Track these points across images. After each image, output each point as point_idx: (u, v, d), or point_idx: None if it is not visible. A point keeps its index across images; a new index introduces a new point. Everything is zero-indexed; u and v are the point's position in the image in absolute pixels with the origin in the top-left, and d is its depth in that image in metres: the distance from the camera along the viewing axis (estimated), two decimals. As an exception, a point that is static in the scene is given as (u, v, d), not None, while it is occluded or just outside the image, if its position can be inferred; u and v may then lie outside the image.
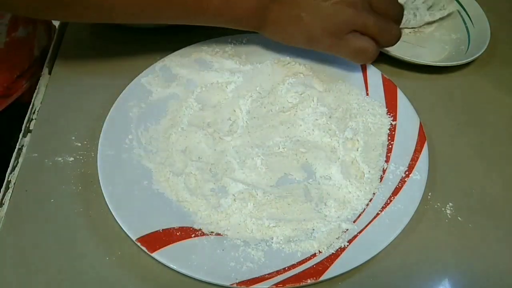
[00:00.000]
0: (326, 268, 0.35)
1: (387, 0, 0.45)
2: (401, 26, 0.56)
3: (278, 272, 0.34)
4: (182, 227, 0.37)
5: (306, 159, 0.43)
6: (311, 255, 0.36)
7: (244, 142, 0.43)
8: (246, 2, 0.43)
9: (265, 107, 0.46)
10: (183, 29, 0.55)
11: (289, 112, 0.46)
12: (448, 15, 0.57)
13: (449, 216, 0.41)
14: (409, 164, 0.41)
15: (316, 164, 0.42)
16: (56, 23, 0.59)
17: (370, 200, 0.39)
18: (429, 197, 0.41)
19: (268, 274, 0.34)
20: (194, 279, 0.34)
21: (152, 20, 0.45)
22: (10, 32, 0.53)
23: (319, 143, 0.44)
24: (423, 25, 0.57)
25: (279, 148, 0.43)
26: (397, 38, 0.45)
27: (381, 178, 0.41)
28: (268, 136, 0.44)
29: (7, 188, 0.41)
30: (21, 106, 0.51)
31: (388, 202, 0.39)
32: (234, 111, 0.46)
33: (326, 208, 0.39)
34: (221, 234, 0.37)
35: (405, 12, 0.56)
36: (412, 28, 0.57)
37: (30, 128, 0.45)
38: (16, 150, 0.44)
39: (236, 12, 0.43)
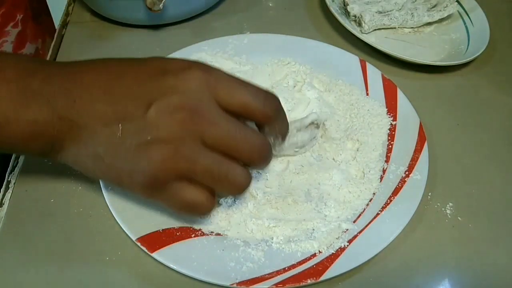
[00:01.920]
0: (326, 268, 0.35)
1: (234, 138, 0.30)
2: (398, 26, 0.56)
3: (278, 272, 0.34)
4: (182, 227, 0.37)
5: (307, 159, 0.43)
6: (311, 255, 0.36)
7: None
8: (17, 127, 0.30)
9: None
10: (183, 29, 0.55)
11: (289, 112, 0.46)
12: (448, 15, 0.57)
13: (449, 216, 0.41)
14: (409, 164, 0.41)
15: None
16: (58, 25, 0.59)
17: (370, 200, 0.39)
18: (429, 197, 0.41)
19: (268, 274, 0.34)
20: (194, 279, 0.34)
21: None
22: (17, 50, 0.53)
23: (320, 144, 0.43)
24: (422, 25, 0.57)
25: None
26: (243, 186, 0.32)
27: (381, 178, 0.41)
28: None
29: (7, 188, 0.41)
30: None
31: (388, 202, 0.39)
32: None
33: (326, 208, 0.39)
34: (221, 234, 0.37)
35: (402, 12, 0.56)
36: (411, 28, 0.57)
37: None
38: (16, 150, 0.44)
39: (17, 131, 0.30)
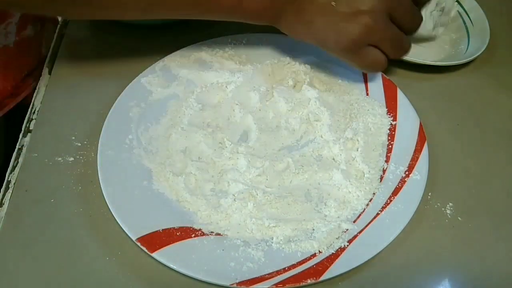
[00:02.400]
0: (326, 268, 0.35)
1: (409, 13, 0.42)
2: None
3: (278, 272, 0.34)
4: (182, 227, 0.37)
5: (307, 159, 0.43)
6: (311, 255, 0.36)
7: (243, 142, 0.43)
8: (260, 1, 0.42)
9: (265, 109, 0.46)
10: (183, 29, 0.55)
11: (289, 112, 0.46)
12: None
13: (449, 216, 0.41)
14: (409, 164, 0.41)
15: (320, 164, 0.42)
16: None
17: (370, 200, 0.39)
18: (429, 197, 0.41)
19: (268, 274, 0.34)
20: (194, 279, 0.34)
21: (162, 15, 0.43)
22: (20, 31, 0.53)
23: (320, 144, 0.43)
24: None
25: (279, 150, 0.43)
26: (406, 52, 0.44)
27: (381, 178, 0.41)
28: (269, 137, 0.44)
29: (7, 188, 0.41)
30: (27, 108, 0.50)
31: (388, 202, 0.39)
32: (234, 110, 0.46)
33: (326, 208, 0.39)
34: (221, 234, 0.37)
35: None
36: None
37: (30, 128, 0.45)
38: (16, 150, 0.44)
39: (250, 9, 0.42)
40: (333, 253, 0.36)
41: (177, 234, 0.36)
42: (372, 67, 0.43)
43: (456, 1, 0.58)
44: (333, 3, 0.40)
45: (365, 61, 0.42)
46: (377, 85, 0.48)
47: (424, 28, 0.54)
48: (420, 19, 0.44)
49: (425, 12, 0.54)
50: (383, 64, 0.43)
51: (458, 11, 0.58)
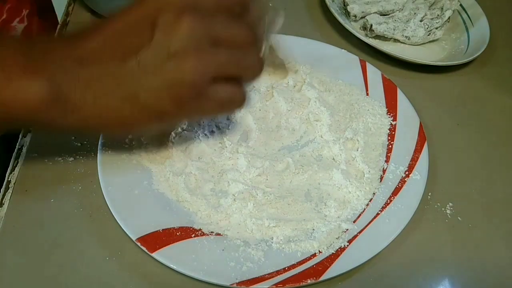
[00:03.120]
0: (326, 268, 0.35)
1: (231, 25, 0.32)
2: (406, 41, 0.55)
3: (278, 272, 0.34)
4: (182, 227, 0.37)
5: (307, 159, 0.43)
6: (311, 255, 0.36)
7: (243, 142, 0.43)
8: (25, 89, 0.29)
9: (265, 109, 0.46)
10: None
11: (289, 112, 0.46)
12: (449, 17, 0.57)
13: (449, 216, 0.41)
14: (409, 164, 0.41)
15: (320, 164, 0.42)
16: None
17: (370, 200, 0.39)
18: (429, 197, 0.41)
19: (268, 274, 0.34)
20: (194, 279, 0.34)
21: None
22: None
23: (320, 144, 0.43)
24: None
25: (279, 150, 0.43)
26: (260, 68, 0.33)
27: (381, 178, 0.41)
28: (269, 137, 0.44)
29: (7, 188, 0.41)
30: None
31: (388, 202, 0.39)
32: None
33: (326, 208, 0.39)
34: (221, 234, 0.37)
35: (405, 13, 0.56)
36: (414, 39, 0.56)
37: (30, 128, 0.45)
38: (16, 150, 0.43)
39: (14, 108, 0.30)
40: (333, 253, 0.36)
41: (177, 234, 0.36)
42: (228, 105, 0.33)
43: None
44: (138, 63, 0.30)
45: (215, 103, 0.32)
46: (377, 85, 0.48)
47: (416, 37, 0.54)
48: (248, 29, 0.33)
49: (414, 21, 0.55)
50: (238, 96, 0.33)
51: (458, 11, 0.58)
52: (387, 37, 0.55)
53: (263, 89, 0.47)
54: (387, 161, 0.42)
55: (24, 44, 0.31)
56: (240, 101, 0.33)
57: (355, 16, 0.56)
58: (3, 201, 0.40)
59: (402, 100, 0.46)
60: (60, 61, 0.30)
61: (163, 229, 0.36)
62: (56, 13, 0.64)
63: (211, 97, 0.32)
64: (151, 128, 0.36)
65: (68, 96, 0.30)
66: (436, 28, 0.55)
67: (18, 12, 0.52)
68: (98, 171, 0.39)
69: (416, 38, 0.54)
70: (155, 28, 0.30)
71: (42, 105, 0.30)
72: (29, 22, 0.53)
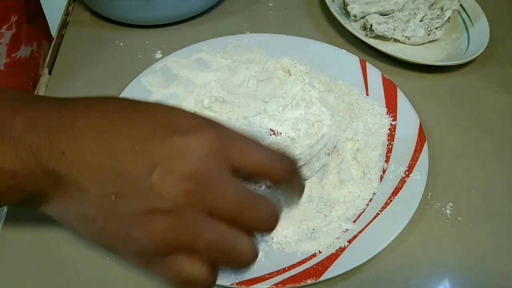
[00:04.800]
0: (326, 268, 0.35)
1: (244, 208, 0.27)
2: (406, 41, 0.54)
3: (278, 272, 0.34)
4: (182, 227, 0.37)
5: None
6: (311, 255, 0.36)
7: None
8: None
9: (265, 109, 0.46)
10: (183, 29, 0.55)
11: (290, 113, 0.46)
12: (449, 17, 0.57)
13: (449, 216, 0.41)
14: (409, 164, 0.41)
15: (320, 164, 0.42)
16: (53, 27, 0.59)
17: (370, 200, 0.39)
18: (429, 197, 0.41)
19: (268, 274, 0.34)
20: (194, 279, 0.34)
21: None
22: (11, 53, 0.52)
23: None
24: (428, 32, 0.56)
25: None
26: (248, 261, 0.28)
27: (381, 178, 0.41)
28: (270, 138, 0.44)
29: (7, 188, 0.41)
30: None
31: (388, 202, 0.39)
32: (230, 112, 0.46)
33: (326, 208, 0.39)
34: (221, 234, 0.37)
35: (405, 13, 0.56)
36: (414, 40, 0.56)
37: None
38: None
39: None
40: (333, 253, 0.36)
41: (177, 234, 0.36)
42: (189, 284, 0.28)
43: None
44: (113, 197, 0.26)
45: (173, 277, 0.28)
46: (377, 85, 0.48)
47: (416, 37, 0.54)
48: (270, 216, 0.28)
49: (414, 21, 0.55)
50: (204, 279, 0.27)
51: (458, 11, 0.58)
52: (387, 37, 0.55)
53: (264, 88, 0.47)
54: (387, 161, 0.42)
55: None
56: (203, 286, 0.28)
57: (355, 16, 0.56)
58: (3, 201, 0.40)
59: (402, 100, 0.46)
60: (38, 149, 0.26)
61: (163, 229, 0.36)
62: (48, 20, 0.63)
63: (167, 268, 0.27)
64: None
65: (35, 185, 0.26)
66: (436, 28, 0.55)
67: (6, 19, 0.51)
68: (98, 171, 0.39)
69: (416, 38, 0.54)
70: (153, 172, 0.26)
71: (7, 189, 0.26)
72: (17, 29, 0.52)
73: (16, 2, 0.53)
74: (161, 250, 0.26)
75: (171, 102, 0.46)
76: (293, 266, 0.35)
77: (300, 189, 0.31)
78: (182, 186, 0.26)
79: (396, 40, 0.55)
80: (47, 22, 0.63)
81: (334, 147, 0.43)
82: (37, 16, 0.59)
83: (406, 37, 0.54)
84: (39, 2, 0.61)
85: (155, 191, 0.26)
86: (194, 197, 0.26)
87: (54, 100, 0.28)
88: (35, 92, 0.48)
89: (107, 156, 0.26)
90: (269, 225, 0.29)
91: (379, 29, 0.54)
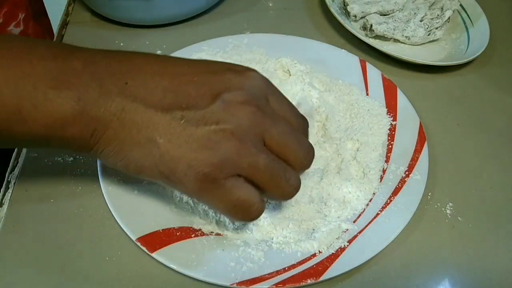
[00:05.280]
0: (326, 268, 0.35)
1: (291, 139, 0.31)
2: (406, 41, 0.54)
3: (278, 272, 0.34)
4: (182, 227, 0.37)
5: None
6: (311, 255, 0.36)
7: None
8: (58, 105, 0.27)
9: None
10: (183, 29, 0.55)
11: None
12: (449, 17, 0.57)
13: (449, 216, 0.41)
14: (409, 164, 0.41)
15: (320, 164, 0.42)
16: (55, 26, 0.59)
17: (370, 200, 0.39)
18: (429, 197, 0.41)
19: (268, 274, 0.34)
20: (194, 279, 0.34)
21: None
22: None
23: (321, 144, 0.43)
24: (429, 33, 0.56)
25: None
26: (295, 189, 0.32)
27: (381, 178, 0.41)
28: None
29: (7, 188, 0.41)
30: None
31: (388, 202, 0.39)
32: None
33: (326, 208, 0.39)
34: (221, 234, 0.37)
35: (405, 13, 0.56)
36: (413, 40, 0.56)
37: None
38: (16, 150, 0.44)
39: (39, 122, 0.27)
40: (333, 253, 0.36)
41: (177, 234, 0.36)
42: (240, 211, 0.30)
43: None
44: (181, 120, 0.28)
45: (231, 200, 0.30)
46: (377, 85, 0.48)
47: (416, 37, 0.54)
48: (309, 152, 0.32)
49: (414, 21, 0.55)
50: (256, 208, 0.30)
51: (457, 11, 0.58)
52: (387, 37, 0.55)
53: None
54: (387, 161, 0.42)
55: (60, 53, 0.28)
56: (253, 213, 0.31)
57: (355, 16, 0.56)
58: (3, 201, 0.40)
59: (402, 100, 0.46)
60: (103, 76, 0.28)
61: (163, 229, 0.36)
62: (50, 18, 0.64)
63: (227, 190, 0.29)
64: (155, 182, 0.34)
65: (95, 113, 0.28)
66: (436, 28, 0.55)
67: (14, 16, 0.52)
68: (98, 171, 0.39)
69: (416, 38, 0.54)
70: (216, 99, 0.28)
71: (65, 123, 0.27)
72: (25, 27, 0.53)
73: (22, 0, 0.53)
74: (224, 170, 0.28)
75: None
76: (293, 266, 0.35)
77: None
78: (244, 110, 0.29)
79: (396, 40, 0.55)
80: (49, 21, 0.63)
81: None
82: (42, 14, 0.60)
83: (406, 37, 0.54)
84: (42, 0, 0.61)
85: (220, 116, 0.28)
86: (255, 120, 0.29)
87: (104, 50, 0.30)
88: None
89: (170, 85, 0.28)
90: (309, 161, 0.32)
91: (379, 29, 0.54)
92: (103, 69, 0.28)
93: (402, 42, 0.55)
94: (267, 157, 0.29)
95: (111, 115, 0.28)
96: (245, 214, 0.31)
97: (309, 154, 0.32)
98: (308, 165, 0.32)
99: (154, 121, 0.28)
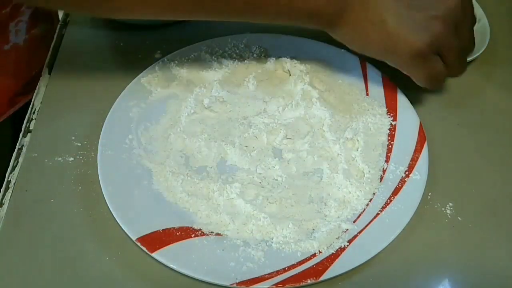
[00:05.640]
0: (326, 268, 0.35)
1: (471, 30, 0.42)
2: None
3: (278, 272, 0.34)
4: (182, 227, 0.37)
5: (309, 159, 0.43)
6: (311, 255, 0.36)
7: (243, 142, 0.43)
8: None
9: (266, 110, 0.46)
10: (183, 29, 0.55)
11: (290, 113, 0.46)
12: None
13: (449, 216, 0.41)
14: (409, 164, 0.41)
15: (320, 164, 0.42)
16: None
17: (370, 200, 0.39)
18: (429, 197, 0.41)
19: (268, 274, 0.34)
20: (194, 279, 0.34)
21: (204, 16, 0.41)
22: (30, 30, 0.54)
23: (321, 144, 0.43)
24: None
25: (281, 152, 0.43)
26: (463, 72, 0.43)
27: (381, 178, 0.41)
28: (270, 138, 0.44)
29: (7, 188, 0.41)
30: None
31: (388, 202, 0.39)
32: (231, 112, 0.46)
33: (326, 208, 0.39)
34: (221, 234, 0.37)
35: None
36: None
37: (30, 128, 0.45)
38: (16, 150, 0.44)
39: (304, 8, 0.39)
40: (333, 253, 0.36)
41: (177, 234, 0.36)
42: (434, 82, 0.42)
43: None
44: (408, 5, 0.38)
45: (429, 72, 0.41)
46: (377, 85, 0.48)
47: None
48: (473, 44, 0.44)
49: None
50: (442, 79, 0.42)
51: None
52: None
53: (261, 97, 0.47)
54: (387, 161, 0.42)
55: None
56: (441, 83, 0.43)
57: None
58: (3, 201, 0.40)
59: (402, 100, 0.46)
60: None
61: (163, 229, 0.36)
62: (52, 17, 0.64)
63: (429, 64, 0.40)
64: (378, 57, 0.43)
65: (343, 10, 0.39)
66: None
67: (16, 16, 0.52)
68: (98, 171, 0.39)
69: None
70: None
71: (322, 9, 0.39)
72: (27, 27, 0.53)
73: None
74: (433, 47, 0.39)
75: (171, 102, 0.46)
76: (293, 266, 0.35)
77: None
78: (454, 3, 0.39)
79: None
80: (53, 20, 0.64)
81: None
82: (44, 14, 0.60)
83: None
84: None
85: (438, 5, 0.39)
86: (457, 14, 0.39)
87: None
88: (36, 91, 0.48)
89: None
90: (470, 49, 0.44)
91: None
92: None
93: None
94: (458, 43, 0.40)
95: (355, 2, 0.39)
96: (438, 82, 0.42)
97: (473, 46, 0.44)
98: (468, 54, 0.44)
99: (387, 6, 0.38)
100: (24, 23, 0.53)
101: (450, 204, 0.41)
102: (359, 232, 0.37)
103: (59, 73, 0.50)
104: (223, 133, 0.44)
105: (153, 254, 0.35)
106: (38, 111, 0.47)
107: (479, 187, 0.43)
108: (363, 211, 0.39)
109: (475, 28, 0.55)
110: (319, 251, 0.36)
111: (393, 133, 0.44)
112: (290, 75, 0.49)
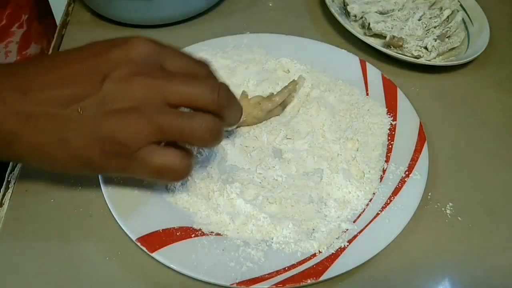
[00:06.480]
0: (326, 268, 0.35)
1: (192, 86, 0.31)
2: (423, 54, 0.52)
3: (278, 272, 0.34)
4: (182, 227, 0.37)
5: (309, 159, 0.43)
6: (311, 255, 0.36)
7: (243, 142, 0.43)
8: None
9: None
10: (183, 29, 0.55)
11: (290, 113, 0.46)
12: (448, 15, 0.57)
13: (449, 216, 0.41)
14: (409, 164, 0.41)
15: (320, 164, 0.42)
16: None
17: (370, 200, 0.39)
18: (429, 197, 0.41)
19: (268, 274, 0.34)
20: (194, 279, 0.34)
21: None
22: (21, 50, 0.52)
23: (321, 144, 0.43)
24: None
25: (281, 152, 0.43)
26: (210, 133, 0.31)
27: (381, 178, 0.41)
28: (270, 138, 0.44)
29: (7, 188, 0.41)
30: None
31: (388, 202, 0.39)
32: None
33: (326, 208, 0.39)
34: (221, 234, 0.37)
35: (404, 12, 0.56)
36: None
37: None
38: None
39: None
40: (333, 253, 0.36)
41: (177, 234, 0.36)
42: (165, 174, 0.32)
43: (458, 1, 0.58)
44: (80, 111, 0.29)
45: (150, 168, 0.31)
46: (377, 85, 0.48)
47: (415, 36, 0.53)
48: (214, 87, 0.31)
49: (412, 19, 0.54)
50: (178, 166, 0.31)
51: (457, 10, 0.57)
52: (386, 36, 0.55)
53: (265, 89, 0.47)
54: (387, 161, 0.42)
55: None
56: (178, 172, 0.31)
57: (355, 16, 0.56)
58: (3, 201, 0.40)
59: (402, 100, 0.46)
60: (2, 90, 0.29)
61: (163, 229, 0.36)
62: (55, 18, 0.64)
63: (143, 160, 0.31)
64: (85, 174, 0.36)
65: (5, 128, 0.29)
66: (448, 37, 0.54)
67: (18, 18, 0.52)
68: (98, 171, 0.39)
69: (434, 53, 0.52)
70: (104, 81, 0.29)
71: None
72: (28, 27, 0.53)
73: (27, 0, 0.53)
74: (134, 143, 0.30)
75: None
76: (293, 266, 0.35)
77: (239, 112, 0.34)
78: (132, 84, 0.29)
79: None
80: (55, 21, 0.64)
81: None
82: (46, 14, 0.60)
83: (423, 47, 0.51)
84: (47, 1, 0.61)
85: (111, 96, 0.29)
86: (148, 88, 0.29)
87: (6, 64, 0.33)
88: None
89: (62, 84, 0.30)
90: (214, 94, 0.31)
91: (376, 27, 0.54)
92: (2, 85, 0.30)
93: (415, 57, 0.52)
94: (168, 116, 0.30)
95: (20, 126, 0.30)
96: (171, 176, 0.32)
97: (213, 90, 0.31)
98: (216, 99, 0.31)
99: (59, 120, 0.30)
100: (15, 44, 0.52)
101: (450, 204, 0.41)
102: (359, 232, 0.37)
103: (59, 73, 0.50)
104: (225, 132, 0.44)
105: (153, 254, 0.35)
106: (38, 111, 0.46)
107: (479, 187, 0.43)
108: (363, 211, 0.39)
109: (475, 28, 0.55)
110: (319, 251, 0.36)
111: (393, 133, 0.44)
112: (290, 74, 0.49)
